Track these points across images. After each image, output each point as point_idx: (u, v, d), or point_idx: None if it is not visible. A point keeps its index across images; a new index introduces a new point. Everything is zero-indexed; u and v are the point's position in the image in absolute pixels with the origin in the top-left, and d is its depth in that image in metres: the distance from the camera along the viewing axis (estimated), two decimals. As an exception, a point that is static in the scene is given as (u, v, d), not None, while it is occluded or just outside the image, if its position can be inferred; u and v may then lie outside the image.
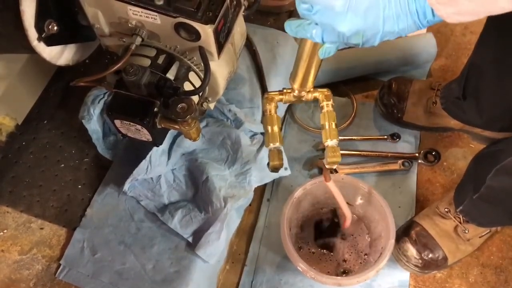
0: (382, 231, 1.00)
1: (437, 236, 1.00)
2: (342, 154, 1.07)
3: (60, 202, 1.09)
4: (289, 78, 0.79)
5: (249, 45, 1.16)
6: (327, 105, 0.83)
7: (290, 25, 0.62)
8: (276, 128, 0.84)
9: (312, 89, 0.81)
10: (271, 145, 0.84)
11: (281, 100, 0.83)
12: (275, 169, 0.86)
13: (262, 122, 0.86)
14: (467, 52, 1.26)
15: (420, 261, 1.00)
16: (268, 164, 0.86)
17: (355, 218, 1.08)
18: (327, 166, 0.85)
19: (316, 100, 0.85)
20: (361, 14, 0.55)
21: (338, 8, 0.54)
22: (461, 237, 1.00)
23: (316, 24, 0.59)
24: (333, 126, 0.83)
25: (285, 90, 0.82)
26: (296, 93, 0.81)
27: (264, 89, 1.13)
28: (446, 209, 1.01)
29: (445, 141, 1.20)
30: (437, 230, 1.00)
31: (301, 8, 0.58)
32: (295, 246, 1.04)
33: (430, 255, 1.00)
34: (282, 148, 0.86)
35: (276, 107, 0.85)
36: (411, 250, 1.00)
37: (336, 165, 0.85)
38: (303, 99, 0.82)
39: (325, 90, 0.83)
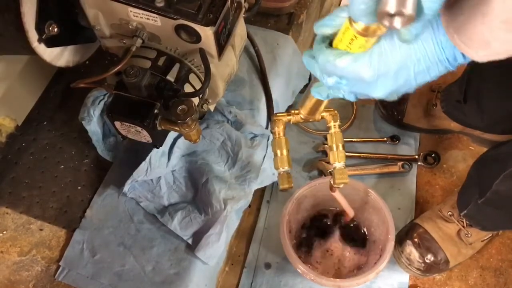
0: (381, 233, 1.00)
1: (440, 240, 1.00)
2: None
3: (60, 203, 1.08)
4: (298, 105, 0.78)
5: (252, 46, 1.16)
6: (335, 126, 0.83)
7: (319, 92, 0.62)
8: (285, 152, 0.83)
9: None
10: (281, 169, 0.84)
11: (289, 121, 0.83)
12: (284, 191, 0.86)
13: (271, 144, 0.86)
14: (467, 54, 1.26)
15: (423, 264, 1.00)
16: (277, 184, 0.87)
17: (355, 220, 1.08)
18: (334, 186, 0.86)
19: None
20: (392, 78, 0.53)
21: (368, 79, 0.53)
22: (463, 241, 1.00)
23: None
24: (341, 148, 0.83)
25: (292, 111, 0.82)
26: (303, 116, 0.80)
27: (267, 92, 1.13)
28: (450, 213, 1.00)
29: (444, 143, 1.20)
30: (440, 233, 1.00)
31: (328, 82, 0.56)
32: (295, 248, 1.04)
33: (433, 259, 1.00)
34: (291, 171, 0.86)
35: (285, 129, 0.84)
36: (414, 253, 1.00)
37: (343, 185, 0.85)
38: (311, 120, 0.82)
39: (332, 109, 0.83)
